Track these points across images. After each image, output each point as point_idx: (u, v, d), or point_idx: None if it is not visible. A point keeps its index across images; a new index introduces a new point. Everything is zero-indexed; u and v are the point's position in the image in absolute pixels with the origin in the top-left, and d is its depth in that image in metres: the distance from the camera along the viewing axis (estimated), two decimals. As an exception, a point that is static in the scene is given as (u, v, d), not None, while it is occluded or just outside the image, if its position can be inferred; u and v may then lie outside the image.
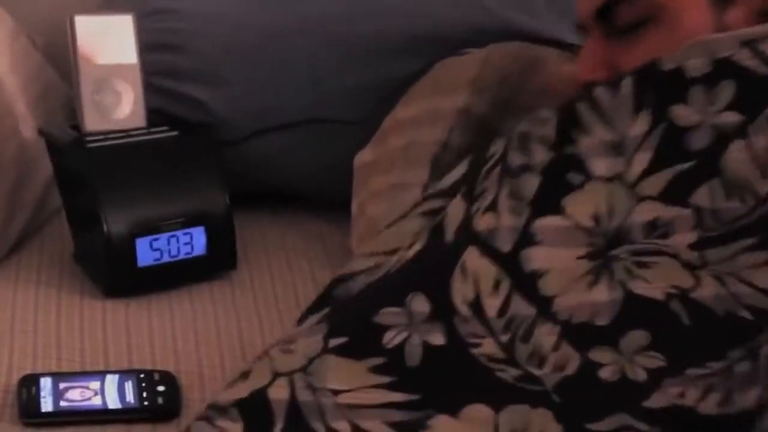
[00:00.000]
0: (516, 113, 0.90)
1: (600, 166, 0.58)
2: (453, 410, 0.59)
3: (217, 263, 0.96)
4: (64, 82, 1.14)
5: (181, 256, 0.93)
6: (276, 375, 0.62)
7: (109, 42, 0.96)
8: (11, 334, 0.84)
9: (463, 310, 0.59)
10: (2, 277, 0.95)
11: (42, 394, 0.75)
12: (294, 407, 0.60)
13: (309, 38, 1.04)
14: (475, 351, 0.59)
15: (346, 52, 1.03)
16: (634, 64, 0.65)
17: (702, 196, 0.56)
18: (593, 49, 0.76)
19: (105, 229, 0.89)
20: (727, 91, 0.57)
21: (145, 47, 0.97)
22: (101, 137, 0.94)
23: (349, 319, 0.63)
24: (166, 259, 0.92)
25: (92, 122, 0.95)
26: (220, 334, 0.87)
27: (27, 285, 0.93)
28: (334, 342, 0.62)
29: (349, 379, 0.61)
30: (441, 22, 1.03)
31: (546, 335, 0.57)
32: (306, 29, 1.04)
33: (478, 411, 0.58)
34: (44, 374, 0.77)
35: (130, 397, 0.76)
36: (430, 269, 0.62)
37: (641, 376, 0.56)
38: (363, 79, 1.03)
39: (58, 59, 1.12)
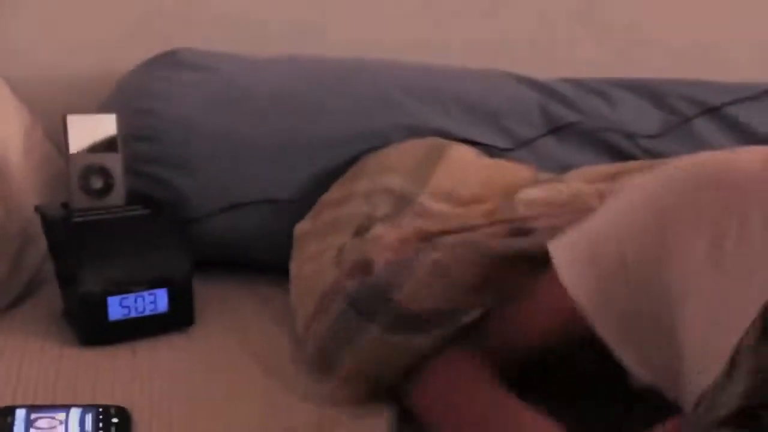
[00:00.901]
0: (427, 186, 1.04)
1: None
2: None
3: (177, 320, 1.06)
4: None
5: (147, 313, 1.03)
6: None
7: (97, 136, 1.08)
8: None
9: None
10: (3, 329, 1.05)
11: (16, 422, 0.83)
12: None
13: (259, 136, 1.17)
14: None
15: (291, 147, 1.17)
16: None
17: None
18: None
19: (81, 288, 1.01)
20: None
21: (127, 139, 1.11)
22: (85, 213, 1.06)
23: None
24: (133, 314, 1.03)
25: (79, 201, 1.07)
26: (174, 379, 0.96)
27: (20, 335, 1.03)
28: None
29: None
30: (369, 122, 1.18)
31: None
32: (257, 129, 1.18)
33: None
34: (20, 406, 0.86)
35: (88, 427, 0.84)
36: None
37: None
38: (304, 168, 1.17)
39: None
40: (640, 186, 0.80)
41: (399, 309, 0.89)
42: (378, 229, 1.00)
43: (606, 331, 0.78)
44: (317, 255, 1.04)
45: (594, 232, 0.80)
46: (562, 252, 0.81)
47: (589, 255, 0.79)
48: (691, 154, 0.78)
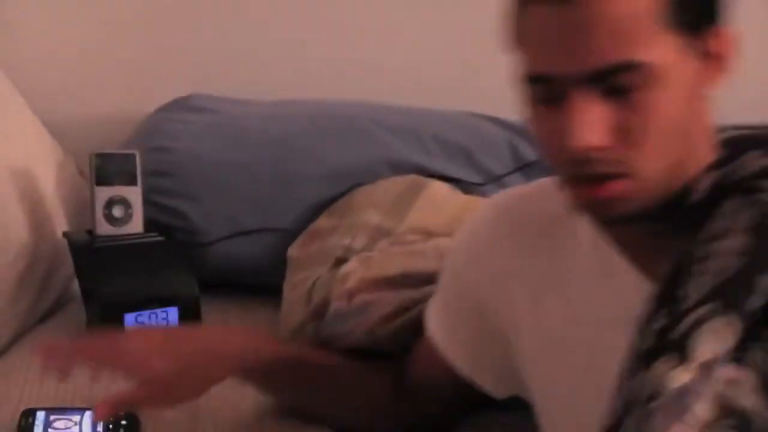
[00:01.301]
0: (405, 221, 1.15)
1: None
2: None
3: None
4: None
5: None
6: None
7: (119, 170, 1.19)
8: (25, 381, 1.03)
9: None
10: (31, 340, 1.16)
11: (36, 423, 0.90)
12: None
13: (262, 171, 1.29)
14: None
15: (289, 181, 1.28)
16: (637, 125, 0.62)
17: None
18: (593, 113, 0.63)
19: (102, 304, 1.11)
20: None
21: (144, 173, 1.20)
22: (107, 240, 1.17)
23: None
24: None
25: (102, 228, 1.17)
26: None
27: None
28: None
29: None
30: (358, 159, 1.29)
31: None
32: (259, 165, 1.29)
33: None
34: (40, 408, 0.93)
35: (100, 429, 0.90)
36: None
37: None
38: (301, 200, 1.28)
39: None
40: (467, 222, 0.88)
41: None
42: (350, 264, 1.09)
43: (459, 362, 0.85)
44: (300, 283, 1.14)
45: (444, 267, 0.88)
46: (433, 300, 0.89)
47: (439, 293, 0.88)
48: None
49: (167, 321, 1.14)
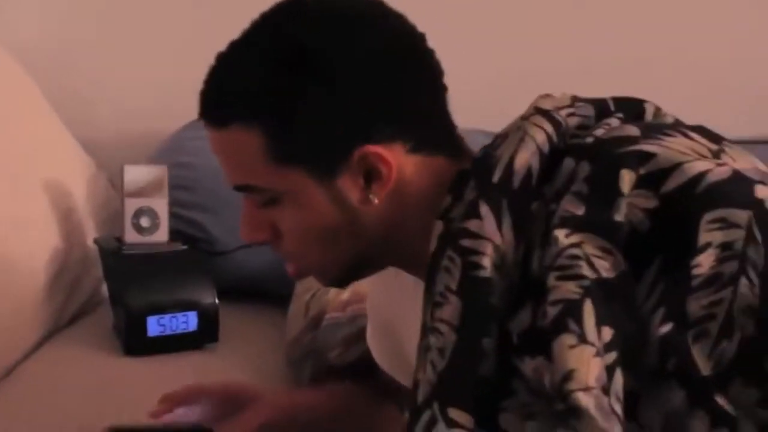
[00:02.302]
0: None
1: None
2: None
3: (204, 337, 1.20)
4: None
5: (179, 331, 1.18)
6: None
7: (148, 183, 1.25)
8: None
9: None
10: (62, 339, 1.26)
11: None
12: None
13: None
14: None
15: None
16: (289, 226, 0.72)
17: None
18: (249, 212, 0.75)
19: (127, 308, 1.17)
20: None
21: (169, 187, 1.26)
22: (134, 247, 1.23)
23: None
24: (168, 332, 1.18)
25: (130, 236, 1.24)
26: None
27: (77, 345, 1.21)
28: None
29: None
30: None
31: None
32: None
33: None
34: (124, 428, 0.90)
35: None
36: None
37: None
38: None
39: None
40: None
41: (329, 366, 1.03)
42: None
43: (392, 372, 0.91)
44: (300, 296, 1.19)
45: None
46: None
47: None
48: None
49: (187, 325, 1.19)
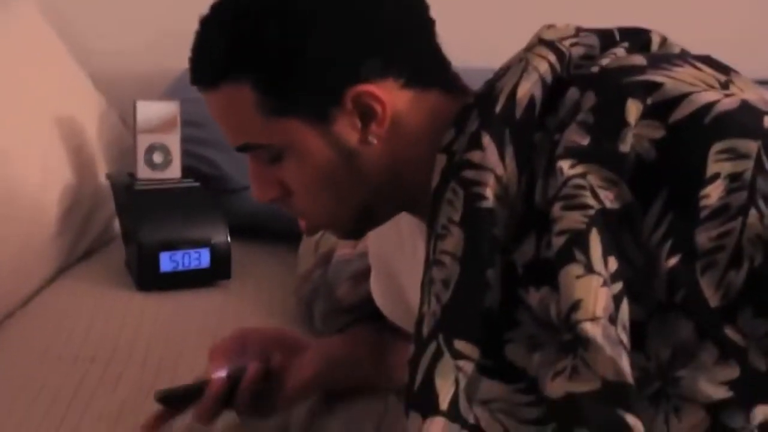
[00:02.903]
0: None
1: None
2: None
3: (216, 274, 1.20)
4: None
5: (191, 267, 1.18)
6: None
7: (161, 119, 1.23)
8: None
9: None
10: (74, 274, 1.26)
11: None
12: None
13: None
14: None
15: None
16: (295, 180, 0.71)
17: None
18: (257, 171, 0.74)
19: (140, 243, 1.16)
20: None
21: (181, 123, 1.24)
22: (147, 183, 1.22)
23: None
24: (180, 268, 1.18)
25: (143, 172, 1.23)
26: (207, 322, 1.08)
27: (90, 281, 1.21)
28: None
29: None
30: None
31: None
32: None
33: None
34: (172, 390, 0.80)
35: None
36: None
37: None
38: None
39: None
40: None
41: (338, 303, 1.03)
42: None
43: (392, 317, 0.91)
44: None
45: None
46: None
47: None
48: None
49: (200, 262, 1.19)
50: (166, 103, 1.26)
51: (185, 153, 1.28)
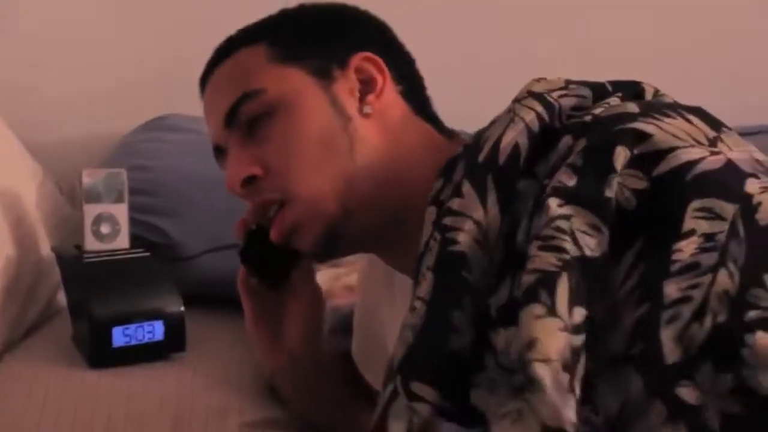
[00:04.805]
0: None
1: None
2: None
3: (171, 347, 1.13)
4: (76, 214, 1.34)
5: (145, 341, 1.11)
6: None
7: (107, 188, 1.18)
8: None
9: None
10: (20, 353, 1.15)
11: None
12: None
13: None
14: None
15: None
16: (281, 140, 0.72)
17: None
18: (236, 154, 0.75)
19: (91, 318, 1.09)
20: None
21: (128, 191, 1.19)
22: (95, 255, 1.15)
23: None
24: (134, 342, 1.11)
25: (91, 244, 1.16)
26: (166, 398, 1.02)
27: (34, 359, 1.12)
28: None
29: None
30: None
31: None
32: None
33: None
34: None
35: None
36: None
37: None
38: None
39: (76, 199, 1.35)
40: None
41: None
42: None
43: (367, 376, 0.91)
44: None
45: None
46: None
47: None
48: None
49: (153, 335, 1.13)
50: (112, 171, 1.20)
51: (133, 221, 1.22)
